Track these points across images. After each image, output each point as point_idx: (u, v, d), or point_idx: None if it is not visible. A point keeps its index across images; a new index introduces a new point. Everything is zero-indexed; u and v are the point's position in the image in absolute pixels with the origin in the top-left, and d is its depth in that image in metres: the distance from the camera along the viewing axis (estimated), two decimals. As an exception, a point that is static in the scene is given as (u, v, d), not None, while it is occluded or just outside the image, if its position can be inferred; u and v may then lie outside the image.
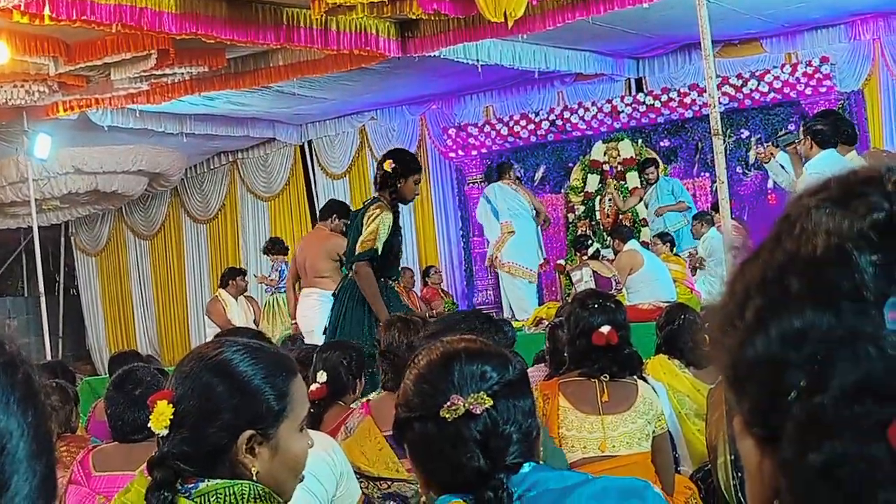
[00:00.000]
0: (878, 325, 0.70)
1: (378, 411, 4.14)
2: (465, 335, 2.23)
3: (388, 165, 6.93)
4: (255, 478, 2.05)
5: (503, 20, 9.02)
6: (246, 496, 2.01)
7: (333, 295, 7.42)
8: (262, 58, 11.60)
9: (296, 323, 9.61)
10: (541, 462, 2.05)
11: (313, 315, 8.70)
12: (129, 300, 18.57)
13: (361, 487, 3.97)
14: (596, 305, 4.10)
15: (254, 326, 11.32)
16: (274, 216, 17.26)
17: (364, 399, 4.48)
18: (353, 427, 4.11)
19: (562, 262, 13.56)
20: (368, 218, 6.81)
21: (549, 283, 13.77)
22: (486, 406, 1.94)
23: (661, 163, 13.37)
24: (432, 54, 11.29)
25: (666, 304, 8.60)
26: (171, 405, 2.05)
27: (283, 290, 12.16)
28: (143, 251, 18.52)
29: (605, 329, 4.00)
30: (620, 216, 13.42)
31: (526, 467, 1.95)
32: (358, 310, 6.79)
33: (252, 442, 2.05)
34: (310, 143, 16.78)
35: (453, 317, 4.72)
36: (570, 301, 4.59)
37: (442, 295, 14.38)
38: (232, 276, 12.37)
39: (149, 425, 2.08)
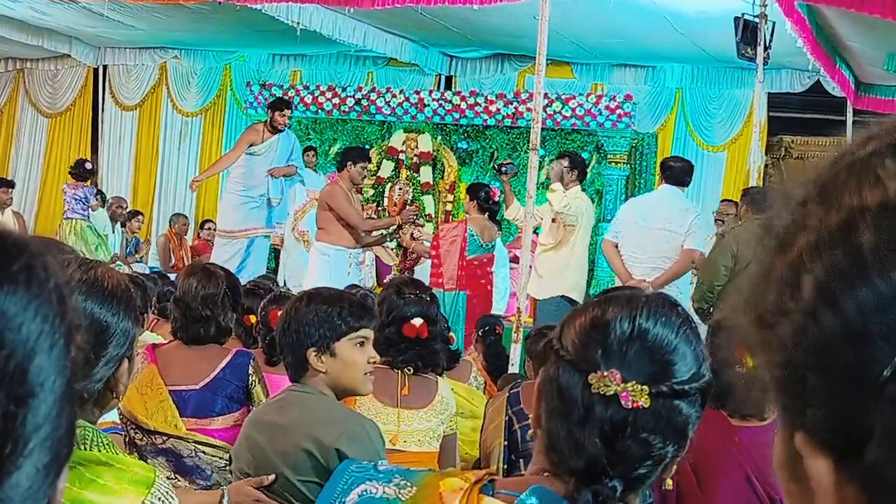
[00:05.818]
0: None
1: (164, 362, 3.95)
2: (670, 301, 1.67)
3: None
4: (120, 397, 2.01)
5: (339, -11, 8.93)
6: (88, 442, 1.87)
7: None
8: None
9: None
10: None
11: (313, 272, 8.60)
12: None
13: (136, 439, 3.82)
14: (412, 295, 4.04)
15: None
16: (53, 134, 16.52)
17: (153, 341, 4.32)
18: (136, 370, 3.90)
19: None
20: None
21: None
22: (639, 403, 1.54)
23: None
24: (254, 7, 11.02)
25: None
26: None
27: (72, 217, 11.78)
28: None
29: (418, 322, 3.96)
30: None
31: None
32: None
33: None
34: (105, 67, 16.11)
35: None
36: (385, 285, 4.52)
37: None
38: (-1, 186, 11.77)
39: None
